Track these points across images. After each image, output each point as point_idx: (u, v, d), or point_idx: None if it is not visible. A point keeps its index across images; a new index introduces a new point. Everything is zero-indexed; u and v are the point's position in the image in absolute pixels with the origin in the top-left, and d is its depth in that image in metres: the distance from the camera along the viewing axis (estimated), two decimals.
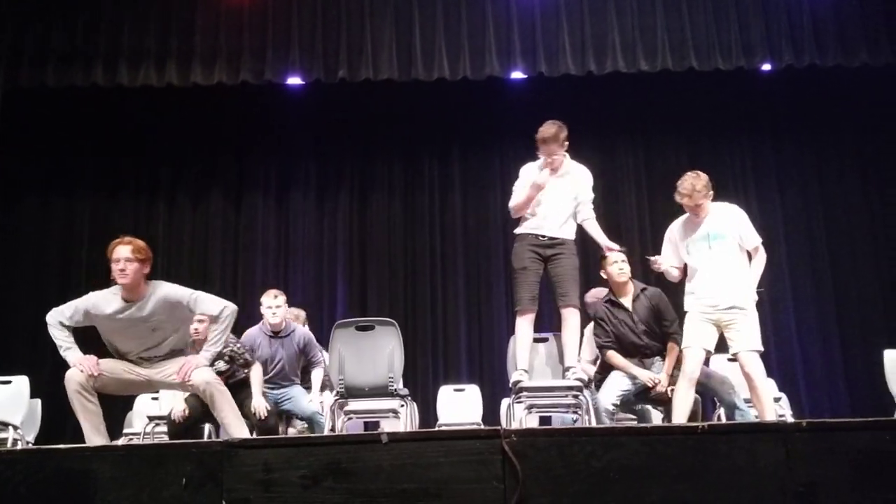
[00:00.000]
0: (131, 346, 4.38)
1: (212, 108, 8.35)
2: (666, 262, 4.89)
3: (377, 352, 5.16)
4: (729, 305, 4.62)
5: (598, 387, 5.08)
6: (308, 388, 5.73)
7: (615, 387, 4.91)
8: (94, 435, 4.12)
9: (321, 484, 1.97)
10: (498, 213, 8.56)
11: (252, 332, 5.74)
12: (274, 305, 5.69)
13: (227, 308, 4.35)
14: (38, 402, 6.72)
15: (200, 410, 5.07)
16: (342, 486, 1.99)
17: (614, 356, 5.03)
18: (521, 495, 2.13)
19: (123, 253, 4.25)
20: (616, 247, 5.20)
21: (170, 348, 4.43)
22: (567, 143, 5.19)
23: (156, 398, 6.30)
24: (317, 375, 5.76)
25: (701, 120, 8.73)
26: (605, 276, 5.22)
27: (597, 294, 5.56)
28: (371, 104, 8.45)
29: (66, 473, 1.89)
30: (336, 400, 5.15)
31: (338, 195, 8.76)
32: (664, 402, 4.99)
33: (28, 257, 8.56)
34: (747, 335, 4.62)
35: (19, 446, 5.96)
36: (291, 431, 5.89)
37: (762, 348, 4.68)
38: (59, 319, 4.35)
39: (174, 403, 5.26)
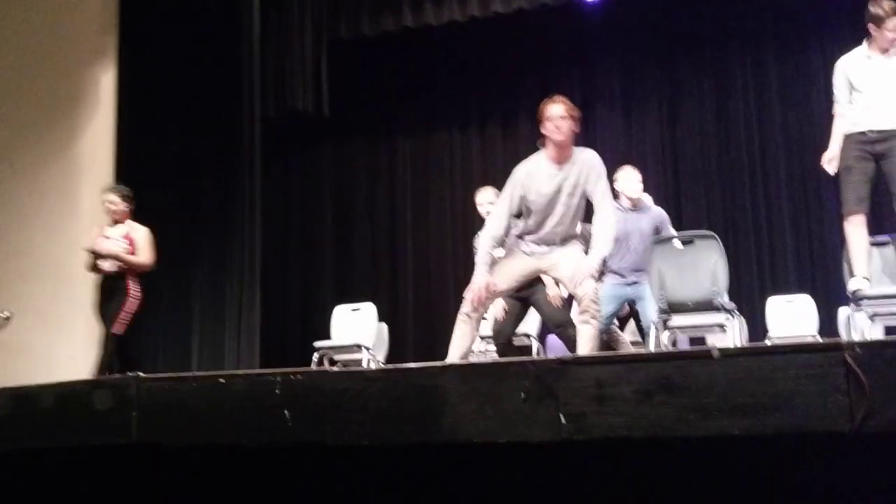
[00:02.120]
0: (546, 224, 4.35)
1: (513, 35, 8.50)
2: None
3: (699, 266, 5.01)
4: None
5: None
6: None
7: None
8: (460, 358, 4.21)
9: (653, 398, 1.98)
10: (822, 111, 7.86)
11: None
12: (636, 179, 5.69)
13: (613, 212, 4.35)
14: (384, 325, 7.43)
15: (518, 311, 5.19)
16: (675, 400, 1.99)
17: None
18: (869, 409, 1.99)
19: (557, 111, 4.29)
20: None
21: (568, 233, 4.38)
22: None
23: (485, 317, 6.68)
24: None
25: None
26: None
27: None
28: (673, 10, 8.10)
29: (419, 389, 2.08)
30: (659, 317, 5.10)
31: (645, 109, 8.55)
32: None
33: (361, 195, 9.43)
34: None
35: (372, 366, 6.65)
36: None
37: None
38: (494, 230, 4.36)
39: (493, 309, 5.36)
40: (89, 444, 2.31)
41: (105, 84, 7.98)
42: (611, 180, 4.86)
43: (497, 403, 2.00)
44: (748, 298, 7.53)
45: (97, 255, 6.05)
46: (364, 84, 9.20)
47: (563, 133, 4.27)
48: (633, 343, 5.75)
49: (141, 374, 2.28)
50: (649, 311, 5.39)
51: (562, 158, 4.34)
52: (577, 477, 2.21)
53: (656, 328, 5.09)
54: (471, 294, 4.23)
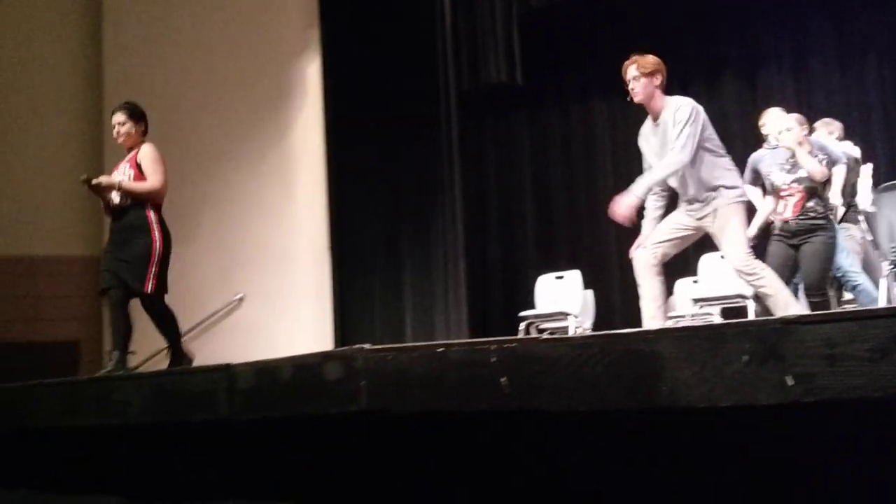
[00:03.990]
0: (676, 185, 4.38)
1: None
2: None
3: None
4: None
5: None
6: None
7: None
8: (650, 319, 4.29)
9: (892, 356, 1.85)
10: None
11: (754, 157, 5.47)
12: (783, 120, 5.40)
13: (675, 156, 4.20)
14: (590, 292, 7.39)
15: (794, 261, 4.96)
16: None
17: None
18: None
19: (630, 73, 4.44)
20: None
21: (706, 188, 4.30)
22: None
23: (696, 281, 6.50)
24: (839, 172, 5.26)
25: None
26: None
27: None
28: None
29: (635, 353, 2.06)
30: (891, 269, 4.72)
31: (864, 59, 7.94)
32: None
33: (559, 162, 9.38)
34: None
35: (579, 332, 6.65)
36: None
37: None
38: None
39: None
40: (324, 412, 2.48)
41: (311, 75, 8.43)
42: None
43: (718, 367, 1.95)
44: None
45: (97, 191, 4.86)
46: (556, 50, 9.12)
47: (637, 94, 4.37)
48: None
49: (366, 346, 2.41)
50: (844, 258, 5.00)
51: (655, 114, 4.37)
52: (806, 439, 2.11)
53: (888, 281, 4.72)
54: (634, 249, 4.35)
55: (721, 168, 4.30)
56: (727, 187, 4.25)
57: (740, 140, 7.62)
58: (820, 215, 4.67)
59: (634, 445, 2.34)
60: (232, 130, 8.28)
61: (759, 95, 8.33)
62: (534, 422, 2.39)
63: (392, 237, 8.32)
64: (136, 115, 4.97)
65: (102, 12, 8.44)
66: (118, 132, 4.94)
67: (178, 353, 4.90)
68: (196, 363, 5.03)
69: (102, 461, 3.67)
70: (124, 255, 4.72)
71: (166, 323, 4.82)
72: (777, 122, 5.19)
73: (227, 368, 2.78)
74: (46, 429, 3.70)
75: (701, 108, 4.35)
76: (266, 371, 2.64)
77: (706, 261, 6.55)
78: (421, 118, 8.32)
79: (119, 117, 4.94)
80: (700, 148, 4.23)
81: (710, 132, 4.36)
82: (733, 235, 4.14)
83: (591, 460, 2.41)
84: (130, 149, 4.96)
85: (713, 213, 4.20)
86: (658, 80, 4.37)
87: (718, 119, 8.50)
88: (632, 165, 8.93)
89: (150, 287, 4.65)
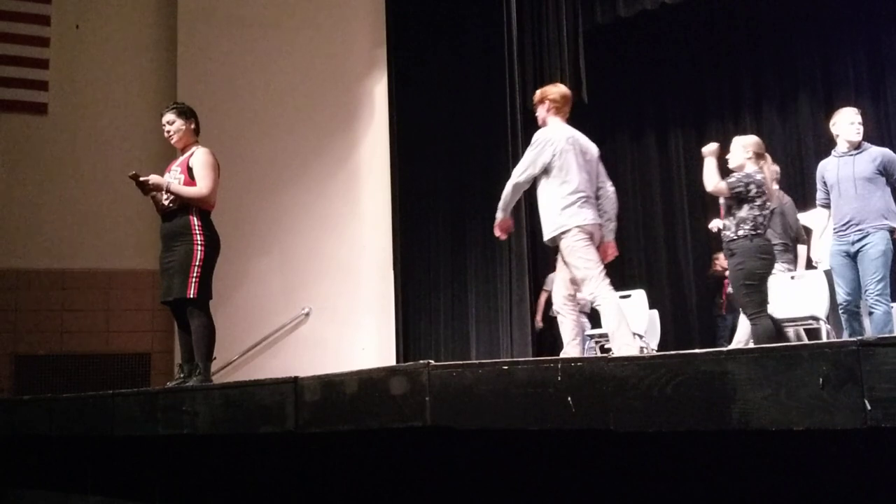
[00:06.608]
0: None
1: (788, 4, 7.99)
2: None
3: None
4: None
5: None
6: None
7: None
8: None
9: None
10: None
11: (822, 162, 5.38)
12: (857, 122, 5.23)
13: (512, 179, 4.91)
14: (656, 312, 7.29)
15: None
16: None
17: None
18: None
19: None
20: None
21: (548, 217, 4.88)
22: None
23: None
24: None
25: None
26: None
27: None
28: None
29: (705, 374, 2.02)
30: None
31: None
32: None
33: (630, 182, 9.29)
34: None
35: (645, 353, 6.54)
36: None
37: None
38: None
39: None
40: (388, 426, 2.49)
41: (379, 94, 8.53)
42: None
43: (792, 390, 1.89)
44: None
45: (144, 189, 4.72)
46: (624, 69, 9.05)
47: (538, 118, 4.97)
48: None
49: (431, 361, 2.42)
50: (866, 268, 4.84)
51: None
52: (885, 465, 2.04)
53: None
54: None
55: (558, 198, 4.60)
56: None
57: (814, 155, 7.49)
58: None
59: (704, 468, 2.29)
60: (301, 149, 8.42)
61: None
62: (600, 442, 2.36)
63: (457, 254, 8.34)
64: (185, 112, 4.90)
65: (177, 35, 8.68)
66: (168, 132, 4.88)
67: (204, 371, 4.61)
68: (263, 376, 5.08)
69: (170, 470, 3.74)
70: (168, 259, 4.67)
71: (204, 335, 4.61)
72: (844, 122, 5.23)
73: (294, 381, 2.82)
74: (120, 437, 3.79)
75: (557, 139, 4.67)
76: (332, 385, 2.67)
77: (776, 281, 6.38)
78: (487, 136, 8.33)
79: (168, 117, 4.89)
80: (544, 174, 4.62)
81: (564, 161, 4.65)
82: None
83: (660, 481, 2.37)
84: (184, 149, 4.90)
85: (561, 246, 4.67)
86: (546, 106, 4.89)
87: (793, 141, 8.37)
88: (681, 195, 8.86)
89: (191, 292, 4.56)
